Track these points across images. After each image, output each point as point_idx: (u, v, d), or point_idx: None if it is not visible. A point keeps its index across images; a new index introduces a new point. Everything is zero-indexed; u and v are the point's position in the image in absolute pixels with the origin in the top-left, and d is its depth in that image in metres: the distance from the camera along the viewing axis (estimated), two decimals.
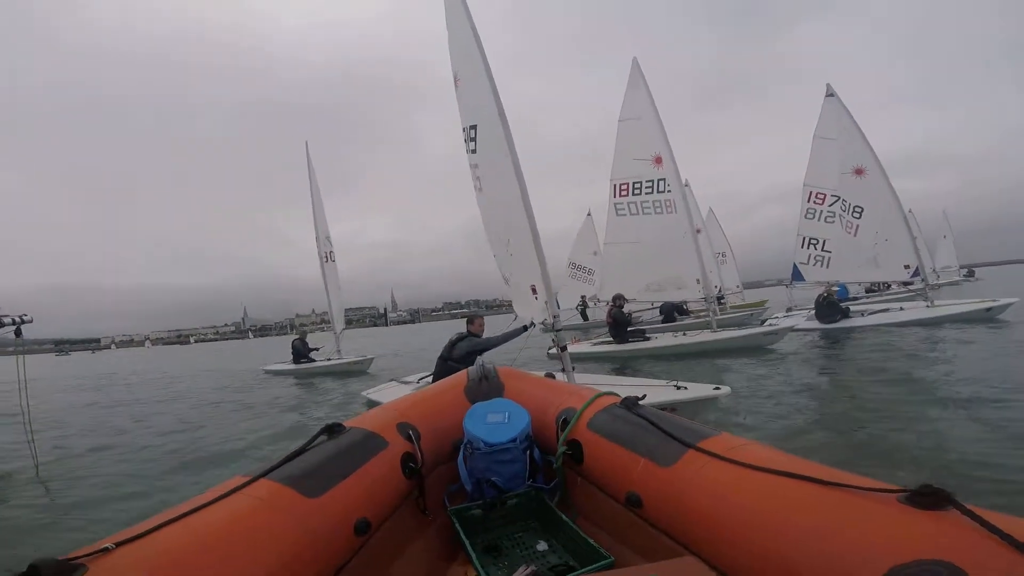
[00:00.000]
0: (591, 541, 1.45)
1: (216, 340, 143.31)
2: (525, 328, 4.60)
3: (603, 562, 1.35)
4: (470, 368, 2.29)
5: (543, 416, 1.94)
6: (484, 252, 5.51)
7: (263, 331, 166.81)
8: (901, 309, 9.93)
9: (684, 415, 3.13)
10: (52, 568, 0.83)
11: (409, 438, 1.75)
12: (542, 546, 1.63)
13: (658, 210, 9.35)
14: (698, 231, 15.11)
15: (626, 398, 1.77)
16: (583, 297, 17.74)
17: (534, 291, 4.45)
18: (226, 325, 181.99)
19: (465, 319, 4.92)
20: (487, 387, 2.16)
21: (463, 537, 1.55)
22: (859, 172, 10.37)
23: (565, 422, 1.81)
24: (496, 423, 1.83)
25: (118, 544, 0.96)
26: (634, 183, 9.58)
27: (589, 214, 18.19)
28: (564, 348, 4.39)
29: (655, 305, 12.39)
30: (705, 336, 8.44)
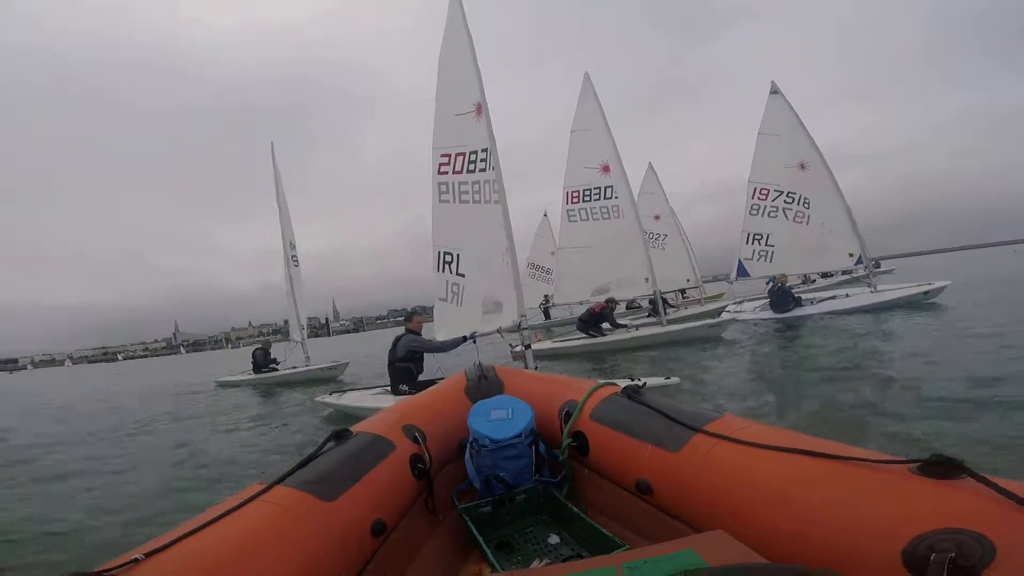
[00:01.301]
0: (604, 531, 1.46)
1: (146, 356, 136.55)
2: (465, 338, 4.88)
3: (618, 550, 1.36)
4: (468, 368, 2.33)
5: (545, 410, 1.96)
6: (427, 258, 5.81)
7: (196, 346, 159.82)
8: (847, 296, 10.46)
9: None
10: None
11: (416, 439, 1.77)
12: (554, 539, 1.64)
13: (606, 215, 10.02)
14: (656, 217, 15.69)
15: (627, 387, 1.81)
16: (546, 296, 17.82)
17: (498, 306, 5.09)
18: (156, 341, 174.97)
19: (390, 377, 5.04)
20: (486, 386, 2.19)
21: (476, 535, 1.56)
22: (803, 167, 10.91)
23: (568, 414, 1.84)
24: (500, 419, 1.85)
25: (147, 555, 0.98)
26: (584, 190, 10.21)
27: (545, 215, 18.75)
28: (528, 346, 4.81)
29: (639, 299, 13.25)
30: (655, 330, 9.04)
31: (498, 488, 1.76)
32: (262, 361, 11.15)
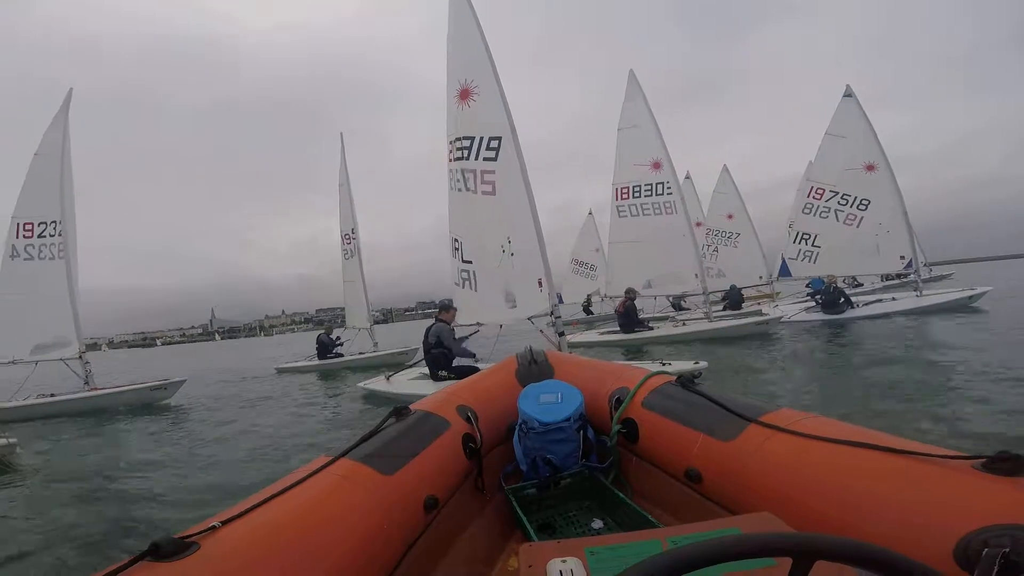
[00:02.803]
0: (648, 515, 1.46)
1: (183, 342, 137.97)
2: (475, 357, 5.18)
3: None
4: (519, 352, 2.38)
5: (595, 396, 1.97)
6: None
7: (231, 333, 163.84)
8: (893, 299, 10.52)
9: None
10: (171, 545, 0.92)
11: (468, 419, 1.83)
12: (597, 524, 1.64)
13: (658, 211, 10.31)
14: (698, 225, 16.36)
15: (681, 376, 1.79)
16: (588, 296, 18.64)
17: (540, 284, 5.13)
18: (192, 327, 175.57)
19: (428, 364, 5.30)
20: (537, 370, 2.24)
21: (521, 515, 1.59)
22: (870, 168, 10.92)
23: (619, 401, 1.84)
24: (549, 403, 1.87)
25: (224, 522, 1.04)
26: (634, 187, 10.52)
27: (590, 213, 19.80)
28: (562, 334, 5.08)
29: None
30: (702, 326, 9.34)
31: (544, 470, 1.76)
32: (328, 345, 11.05)
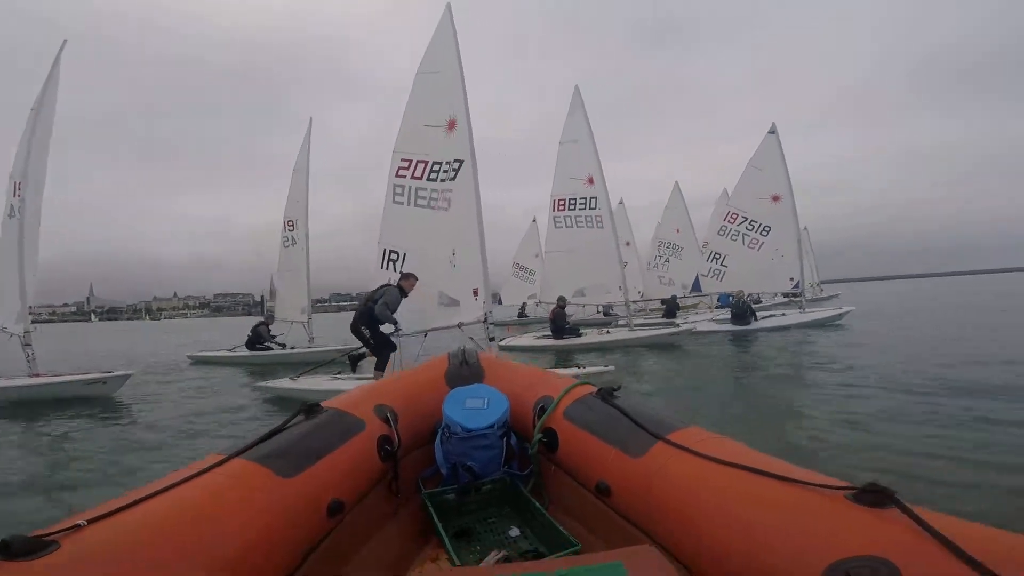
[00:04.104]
0: (561, 528, 1.46)
1: (53, 321, 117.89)
2: (396, 324, 5.35)
3: (571, 549, 1.37)
4: (451, 352, 2.32)
5: (521, 403, 1.94)
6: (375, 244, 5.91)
7: (112, 314, 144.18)
8: (784, 315, 12.21)
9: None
10: (25, 544, 0.85)
11: (387, 420, 1.73)
12: (514, 532, 1.63)
13: (589, 225, 10.88)
14: (627, 244, 17.92)
15: (602, 388, 1.79)
16: (524, 303, 19.74)
17: (475, 293, 5.47)
18: (66, 305, 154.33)
19: (355, 310, 5.50)
20: (467, 372, 2.17)
21: (436, 521, 1.54)
22: (776, 199, 12.41)
23: (542, 410, 1.83)
24: (475, 408, 1.84)
25: (91, 521, 0.96)
26: (570, 199, 11.05)
27: (534, 220, 20.58)
28: (492, 339, 5.35)
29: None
30: (624, 334, 10.14)
31: (464, 477, 1.73)
32: (263, 337, 10.17)
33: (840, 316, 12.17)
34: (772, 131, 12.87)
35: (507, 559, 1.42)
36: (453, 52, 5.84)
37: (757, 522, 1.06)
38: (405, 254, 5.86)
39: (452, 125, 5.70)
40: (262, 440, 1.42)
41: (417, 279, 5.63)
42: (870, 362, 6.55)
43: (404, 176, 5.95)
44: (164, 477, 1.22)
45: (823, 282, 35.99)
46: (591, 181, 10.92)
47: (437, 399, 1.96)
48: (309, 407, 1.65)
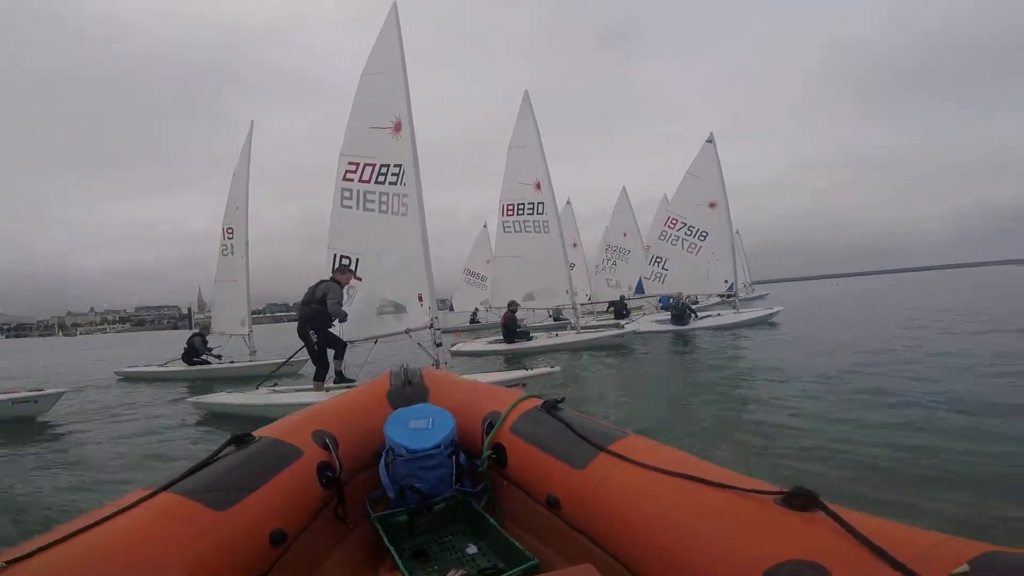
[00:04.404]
0: (516, 543, 1.47)
1: None
2: (345, 316, 5.29)
3: (528, 564, 1.38)
4: (393, 371, 2.25)
5: (469, 420, 1.92)
6: (319, 251, 5.92)
7: (20, 331, 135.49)
8: (719, 315, 12.89)
9: (533, 386, 4.01)
10: None
11: (326, 446, 1.68)
12: (471, 549, 1.61)
13: (537, 229, 11.03)
14: (573, 245, 18.48)
15: (547, 401, 1.81)
16: (476, 309, 19.77)
17: (420, 299, 5.42)
18: None
19: (295, 319, 5.37)
20: (411, 391, 2.13)
21: (388, 544, 1.50)
22: (712, 205, 13.16)
23: (491, 425, 1.82)
24: (419, 429, 1.81)
25: (8, 563, 0.92)
26: (518, 204, 11.16)
27: (484, 226, 20.59)
28: (439, 344, 5.30)
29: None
30: (572, 337, 10.36)
31: (413, 498, 1.70)
32: (199, 350, 9.67)
33: (771, 315, 13.03)
34: (710, 140, 13.67)
35: None
36: (397, 53, 5.78)
37: (698, 530, 1.10)
38: (358, 259, 5.74)
39: (398, 127, 5.64)
40: (190, 473, 1.35)
41: (353, 273, 5.52)
42: (794, 359, 7.11)
43: (352, 180, 5.84)
44: (86, 514, 1.15)
45: (754, 283, 38.73)
46: (539, 186, 11.10)
47: (379, 421, 1.91)
48: (238, 437, 1.58)
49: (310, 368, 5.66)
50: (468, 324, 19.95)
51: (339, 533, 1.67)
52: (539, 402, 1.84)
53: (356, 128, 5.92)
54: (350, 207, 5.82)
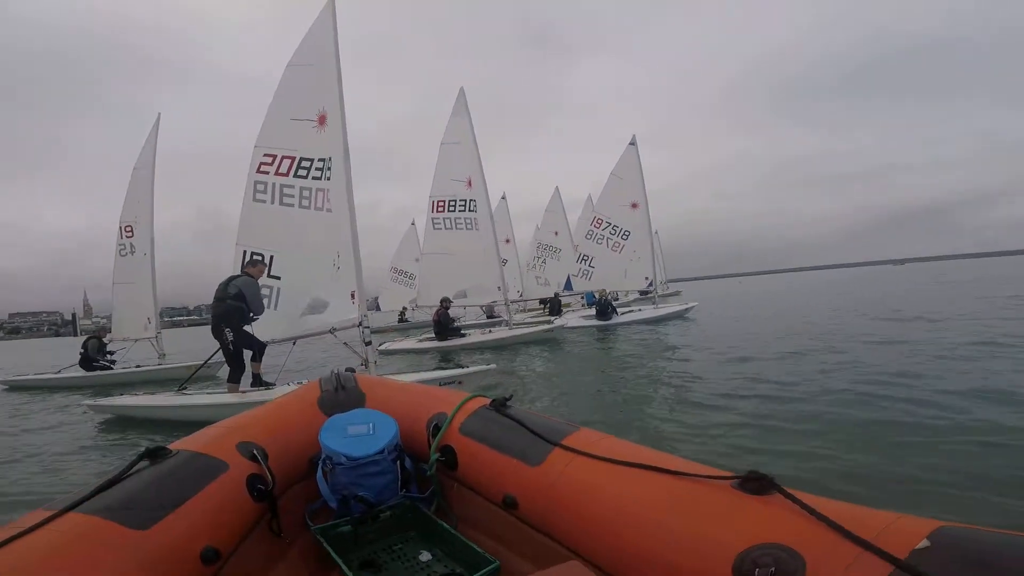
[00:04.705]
0: (475, 547, 1.42)
1: None
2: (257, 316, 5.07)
3: (490, 567, 1.35)
4: (323, 377, 2.13)
5: (412, 423, 1.85)
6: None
7: None
8: (640, 311, 13.68)
9: (469, 384, 4.19)
10: None
11: (254, 457, 1.57)
12: (425, 556, 1.56)
13: (468, 227, 10.95)
14: (506, 241, 18.84)
15: (495, 400, 1.77)
16: (404, 308, 19.42)
17: (352, 296, 5.22)
18: None
19: (213, 316, 4.98)
20: (344, 397, 2.01)
21: (334, 555, 1.43)
22: (635, 206, 13.90)
23: (437, 428, 1.76)
24: (359, 435, 1.72)
25: None
26: (449, 201, 11.01)
27: (413, 223, 20.26)
28: (369, 343, 5.16)
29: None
30: (504, 333, 10.52)
31: (357, 507, 1.62)
32: (95, 354, 9.11)
33: (687, 310, 14.07)
34: (632, 143, 14.39)
35: None
36: (331, 45, 5.52)
37: (662, 521, 1.10)
38: (273, 256, 5.43)
39: (322, 120, 5.39)
40: (100, 490, 1.23)
41: (266, 266, 5.26)
42: (713, 348, 7.75)
43: (267, 172, 5.49)
44: None
45: (670, 280, 41.81)
46: (470, 183, 11.06)
47: (312, 429, 1.81)
48: (153, 451, 1.43)
49: (227, 371, 5.23)
50: (396, 324, 19.48)
51: (277, 549, 1.57)
52: (487, 401, 1.80)
53: (276, 119, 5.63)
54: (264, 201, 5.50)
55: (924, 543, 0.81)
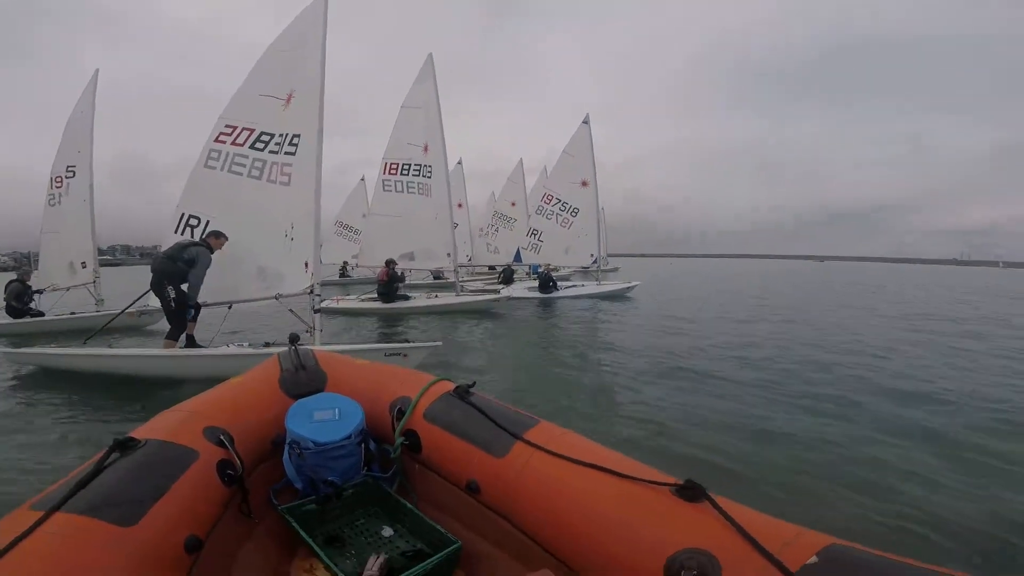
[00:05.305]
0: (438, 527, 1.51)
1: None
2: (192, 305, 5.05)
3: (453, 547, 1.44)
4: (281, 354, 2.11)
5: (375, 405, 1.89)
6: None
7: None
8: (583, 286, 14.23)
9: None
10: None
11: (221, 443, 1.59)
12: (387, 532, 1.63)
13: (421, 192, 10.85)
14: (459, 206, 18.78)
15: (459, 386, 1.83)
16: (345, 263, 19.14)
17: (306, 265, 5.33)
18: None
19: (155, 271, 4.90)
20: (306, 377, 2.01)
21: (303, 534, 1.50)
22: (584, 184, 14.26)
23: (400, 412, 1.81)
24: (325, 420, 1.74)
25: None
26: (403, 164, 10.84)
27: (362, 179, 19.99)
28: (318, 311, 5.27)
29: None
30: (450, 300, 10.59)
31: (325, 489, 1.67)
32: (19, 299, 8.13)
33: (628, 289, 14.51)
34: (585, 121, 14.55)
35: (389, 562, 1.45)
36: (319, 35, 5.55)
37: (609, 517, 1.22)
38: (208, 221, 5.45)
39: (289, 99, 5.46)
40: (80, 487, 1.22)
41: (227, 238, 5.23)
42: (647, 327, 8.33)
43: (223, 142, 5.53)
44: None
45: (609, 255, 43.55)
46: (427, 149, 10.87)
47: (274, 411, 1.83)
48: (122, 442, 1.41)
49: (163, 326, 5.10)
50: (337, 278, 19.10)
51: (246, 529, 1.62)
52: (450, 387, 1.84)
53: (245, 94, 5.68)
54: (214, 168, 5.53)
55: (813, 559, 0.93)
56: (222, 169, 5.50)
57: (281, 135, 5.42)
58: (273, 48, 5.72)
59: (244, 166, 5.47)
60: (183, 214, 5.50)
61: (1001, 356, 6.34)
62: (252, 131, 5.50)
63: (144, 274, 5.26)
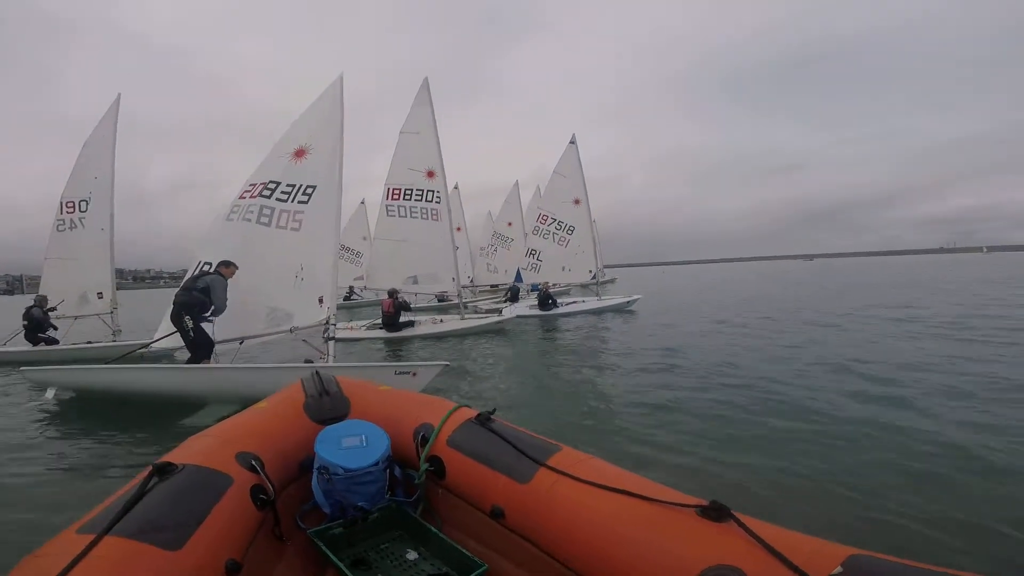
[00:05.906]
0: (463, 550, 1.54)
1: None
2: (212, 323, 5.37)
3: (479, 570, 1.48)
4: (305, 380, 2.16)
5: (399, 431, 1.95)
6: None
7: None
8: (583, 301, 14.28)
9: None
10: None
11: (253, 468, 1.63)
12: (412, 555, 1.66)
13: (425, 216, 11.04)
14: (458, 229, 19.21)
15: (480, 414, 1.88)
16: (351, 287, 19.32)
17: (320, 301, 5.71)
18: None
19: (176, 303, 5.22)
20: (330, 403, 2.06)
21: (333, 558, 1.54)
22: (577, 202, 14.58)
23: (424, 439, 1.86)
24: (354, 447, 1.80)
25: None
26: (406, 190, 11.04)
27: (363, 202, 20.71)
28: (331, 339, 5.47)
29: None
30: (455, 324, 10.61)
31: (352, 513, 1.73)
32: (43, 323, 8.13)
33: (629, 303, 14.34)
34: (572, 141, 14.89)
35: None
36: (337, 124, 6.19)
37: (637, 540, 1.25)
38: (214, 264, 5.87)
39: (300, 153, 6.03)
40: (125, 511, 1.26)
41: (237, 268, 5.46)
42: (657, 345, 8.15)
43: (244, 198, 6.09)
44: (25, 566, 1.07)
45: (605, 266, 43.97)
46: (431, 174, 11.11)
47: (301, 435, 1.89)
48: (160, 467, 1.47)
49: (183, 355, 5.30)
50: (343, 301, 19.36)
51: (278, 551, 1.66)
52: (472, 414, 1.89)
53: (269, 158, 6.36)
54: (232, 220, 6.05)
55: (838, 569, 0.97)
56: (233, 220, 6.02)
57: (290, 184, 5.90)
58: (294, 124, 6.45)
59: (253, 212, 5.92)
60: (199, 261, 5.92)
61: None
62: (264, 184, 6.06)
63: (140, 298, 5.52)
